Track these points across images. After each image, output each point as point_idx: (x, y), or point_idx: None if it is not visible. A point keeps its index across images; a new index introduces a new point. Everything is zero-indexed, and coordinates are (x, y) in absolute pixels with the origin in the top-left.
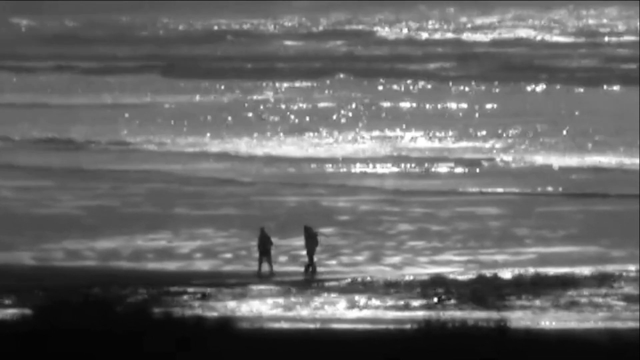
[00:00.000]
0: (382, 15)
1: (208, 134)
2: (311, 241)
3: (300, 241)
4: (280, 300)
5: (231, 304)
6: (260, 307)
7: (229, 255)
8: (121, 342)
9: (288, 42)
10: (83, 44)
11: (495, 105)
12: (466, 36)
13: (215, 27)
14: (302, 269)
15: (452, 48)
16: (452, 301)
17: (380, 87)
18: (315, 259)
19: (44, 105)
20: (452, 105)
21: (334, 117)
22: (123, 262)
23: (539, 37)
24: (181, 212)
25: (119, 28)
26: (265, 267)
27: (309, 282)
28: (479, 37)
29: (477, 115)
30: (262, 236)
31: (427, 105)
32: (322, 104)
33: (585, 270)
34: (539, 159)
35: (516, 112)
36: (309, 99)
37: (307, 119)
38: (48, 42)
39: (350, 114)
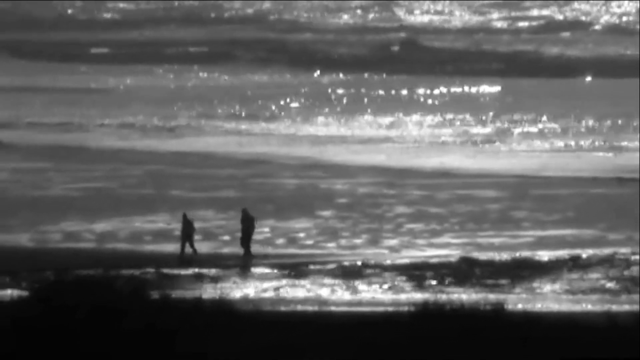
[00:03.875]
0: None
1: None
2: (248, 225)
3: (297, 224)
4: (278, 283)
5: (229, 286)
6: (258, 290)
7: (227, 238)
8: (118, 322)
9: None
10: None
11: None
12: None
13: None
14: (302, 252)
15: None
16: (450, 283)
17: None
18: (251, 244)
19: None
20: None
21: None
22: (121, 244)
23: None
24: (179, 193)
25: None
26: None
27: (244, 267)
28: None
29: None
30: (184, 221)
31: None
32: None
33: (583, 253)
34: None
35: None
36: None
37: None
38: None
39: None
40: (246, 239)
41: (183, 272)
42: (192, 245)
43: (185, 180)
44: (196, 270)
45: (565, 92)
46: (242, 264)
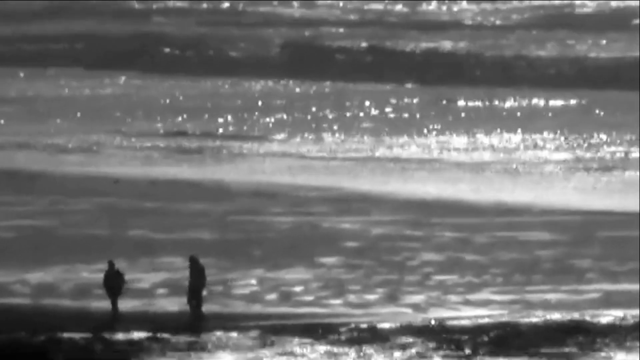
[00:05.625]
0: None
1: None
2: (198, 275)
3: (292, 274)
4: (266, 352)
5: (207, 358)
6: None
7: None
8: None
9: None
10: None
11: None
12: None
13: None
14: (299, 310)
15: None
16: (491, 353)
17: None
18: (202, 301)
19: None
20: None
21: None
22: (63, 299)
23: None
24: (139, 234)
25: None
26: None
27: (194, 327)
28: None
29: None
30: (109, 272)
31: None
32: None
33: None
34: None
35: None
36: None
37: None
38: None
39: None
40: (195, 295)
41: (140, 336)
42: (115, 303)
43: (147, 216)
44: (157, 334)
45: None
46: (191, 327)
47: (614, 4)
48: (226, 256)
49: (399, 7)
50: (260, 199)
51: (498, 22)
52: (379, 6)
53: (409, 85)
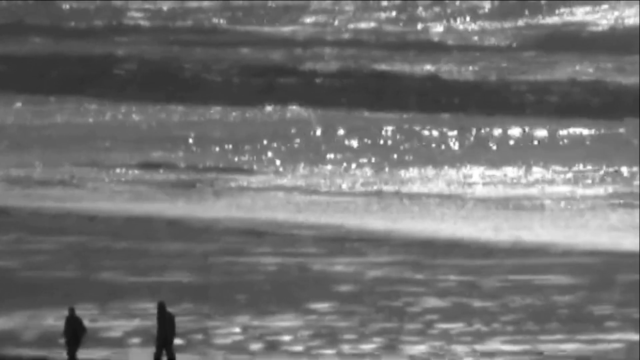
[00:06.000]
0: None
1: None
2: (167, 324)
3: (280, 321)
4: None
5: None
6: None
7: (178, 341)
8: None
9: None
10: None
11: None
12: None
13: None
14: None
15: None
16: None
17: None
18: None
19: None
20: None
21: None
22: (26, 348)
23: None
24: (111, 277)
25: None
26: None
27: None
28: None
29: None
30: (70, 318)
31: None
32: None
33: None
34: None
35: None
36: None
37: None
38: None
39: None
40: (164, 344)
41: None
42: (72, 353)
43: (121, 257)
44: None
45: None
46: None
47: (627, 21)
48: (207, 301)
49: (394, 26)
50: (247, 238)
51: (507, 43)
52: (373, 24)
53: (412, 114)
